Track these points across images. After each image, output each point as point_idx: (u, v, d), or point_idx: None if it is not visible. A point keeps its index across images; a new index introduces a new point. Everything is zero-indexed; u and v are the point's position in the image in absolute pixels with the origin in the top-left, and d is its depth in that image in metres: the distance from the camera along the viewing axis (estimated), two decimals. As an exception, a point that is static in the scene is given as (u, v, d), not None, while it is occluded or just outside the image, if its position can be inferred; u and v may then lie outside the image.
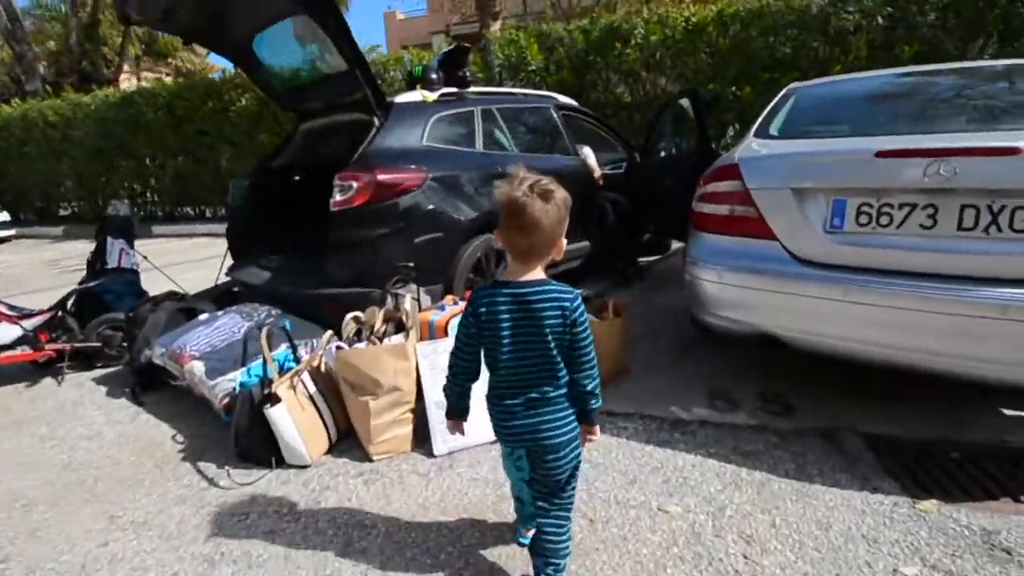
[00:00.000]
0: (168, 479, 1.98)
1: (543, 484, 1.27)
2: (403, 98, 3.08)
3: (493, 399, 1.26)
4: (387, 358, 1.93)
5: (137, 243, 3.79)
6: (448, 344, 2.11)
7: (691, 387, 2.44)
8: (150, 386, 2.71)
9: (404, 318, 2.08)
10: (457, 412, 1.35)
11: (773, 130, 2.39)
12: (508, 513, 1.65)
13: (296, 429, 1.92)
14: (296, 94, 3.31)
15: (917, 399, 2.12)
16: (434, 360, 2.07)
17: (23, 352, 2.87)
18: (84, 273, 3.53)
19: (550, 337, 1.16)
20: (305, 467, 1.97)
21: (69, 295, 3.09)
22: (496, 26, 7.85)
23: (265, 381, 1.98)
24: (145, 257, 4.03)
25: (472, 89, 3.46)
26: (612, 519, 1.61)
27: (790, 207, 1.89)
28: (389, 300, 2.39)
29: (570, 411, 1.23)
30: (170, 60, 19.25)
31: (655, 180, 4.26)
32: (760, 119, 2.51)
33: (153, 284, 4.03)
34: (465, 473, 1.88)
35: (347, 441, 2.11)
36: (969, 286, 1.56)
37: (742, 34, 5.54)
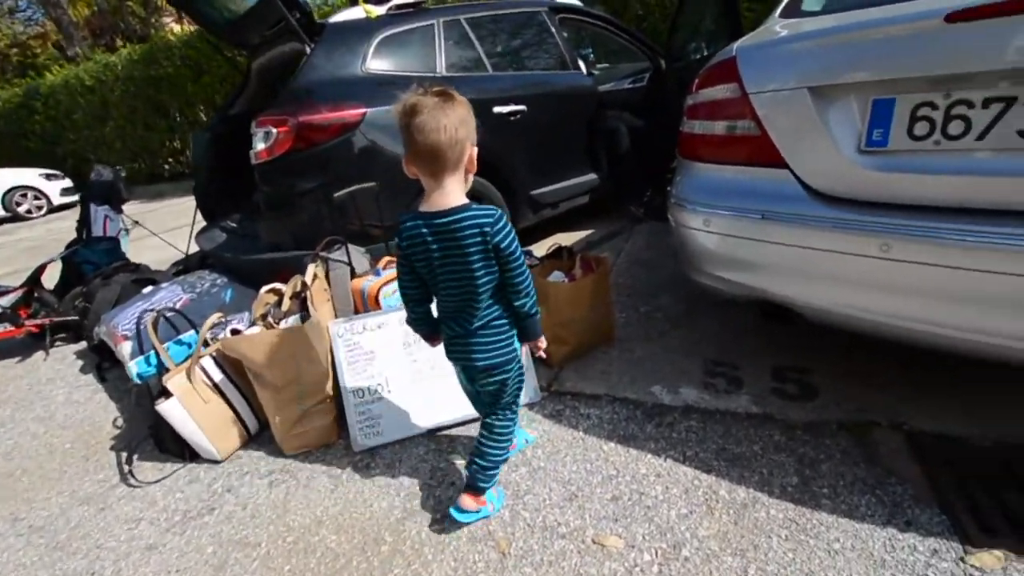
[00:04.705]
0: (88, 472, 1.84)
1: (484, 396, 1.32)
2: (340, 17, 2.56)
3: (439, 322, 1.27)
4: (282, 344, 1.61)
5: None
6: (371, 320, 1.76)
7: (688, 358, 1.95)
8: (116, 361, 2.62)
9: (307, 295, 1.73)
10: (427, 334, 1.33)
11: (811, 4, 1.67)
12: (408, 535, 1.34)
13: (196, 424, 1.69)
14: (236, 28, 2.87)
15: (1005, 378, 1.51)
16: (351, 340, 1.73)
17: (5, 330, 2.87)
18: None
19: (477, 265, 1.10)
20: (218, 463, 1.76)
21: (40, 268, 3.03)
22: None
23: (162, 371, 1.75)
24: (136, 222, 3.96)
25: (434, -4, 2.84)
26: (530, 553, 1.25)
27: (807, 117, 1.27)
28: (318, 267, 2.05)
29: (505, 335, 1.21)
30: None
31: (682, 91, 3.50)
32: (791, -9, 1.78)
33: (155, 250, 3.96)
34: (379, 477, 1.58)
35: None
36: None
37: None
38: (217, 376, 1.77)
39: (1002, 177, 1.04)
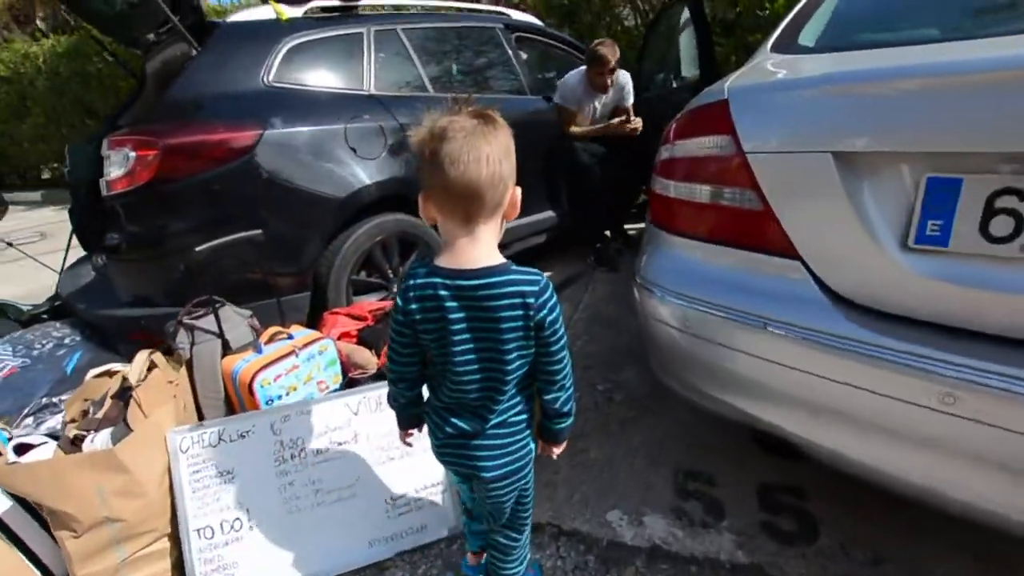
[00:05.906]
0: None
1: (490, 509, 1.02)
2: (240, 17, 2.09)
3: (431, 411, 0.97)
4: (83, 474, 1.11)
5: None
6: (231, 426, 1.29)
7: (654, 466, 1.55)
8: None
9: (133, 397, 1.23)
10: (405, 423, 1.05)
11: (806, 38, 1.34)
12: None
13: (-48, 585, 1.15)
14: (123, 23, 2.36)
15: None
16: (199, 457, 1.24)
17: None
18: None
19: (510, 345, 0.84)
20: (-3, 630, 1.22)
21: None
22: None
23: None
24: (10, 244, 3.33)
25: (367, 1, 2.42)
26: None
27: (830, 193, 0.90)
28: (182, 335, 1.56)
29: (522, 437, 0.94)
30: None
31: (652, 124, 3.19)
32: (784, 22, 1.46)
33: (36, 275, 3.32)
34: (219, 672, 1.09)
35: None
36: None
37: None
38: (2, 505, 1.24)
39: None
